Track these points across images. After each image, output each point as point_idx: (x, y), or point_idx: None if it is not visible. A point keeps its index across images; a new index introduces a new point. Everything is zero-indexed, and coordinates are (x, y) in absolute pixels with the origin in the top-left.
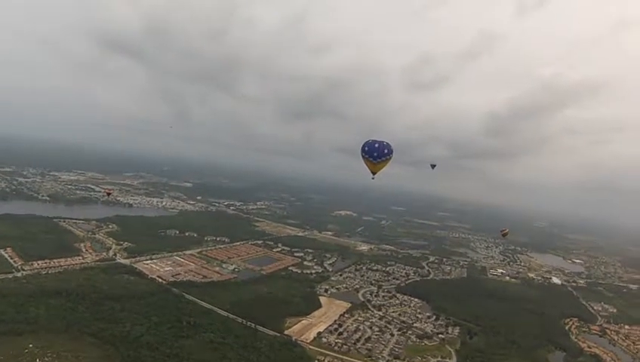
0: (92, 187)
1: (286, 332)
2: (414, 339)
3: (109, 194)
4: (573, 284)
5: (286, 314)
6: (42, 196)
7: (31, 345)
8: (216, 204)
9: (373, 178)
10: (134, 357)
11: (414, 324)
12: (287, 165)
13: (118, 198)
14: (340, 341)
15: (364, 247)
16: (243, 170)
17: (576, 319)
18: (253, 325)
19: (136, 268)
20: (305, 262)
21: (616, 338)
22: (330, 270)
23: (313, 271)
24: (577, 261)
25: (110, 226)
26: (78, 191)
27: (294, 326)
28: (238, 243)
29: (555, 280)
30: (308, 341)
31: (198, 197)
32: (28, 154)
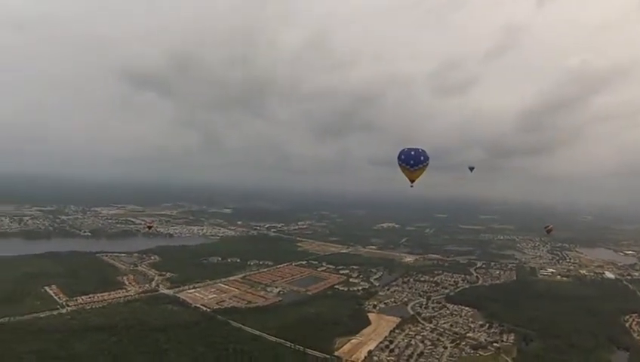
0: (132, 220)
1: (336, 353)
2: (468, 351)
3: (150, 227)
4: (628, 278)
5: (335, 335)
6: (84, 232)
7: None
8: (257, 228)
9: (411, 186)
10: None
11: (467, 334)
12: (324, 183)
13: (158, 229)
14: (392, 358)
15: (409, 258)
16: (281, 191)
17: (636, 315)
18: (302, 348)
19: (179, 297)
20: (351, 279)
21: None
22: (377, 285)
23: (360, 288)
24: (629, 252)
25: (152, 257)
26: (118, 225)
27: (344, 347)
28: (281, 266)
29: (609, 274)
30: (359, 361)
31: (239, 222)
32: (68, 192)
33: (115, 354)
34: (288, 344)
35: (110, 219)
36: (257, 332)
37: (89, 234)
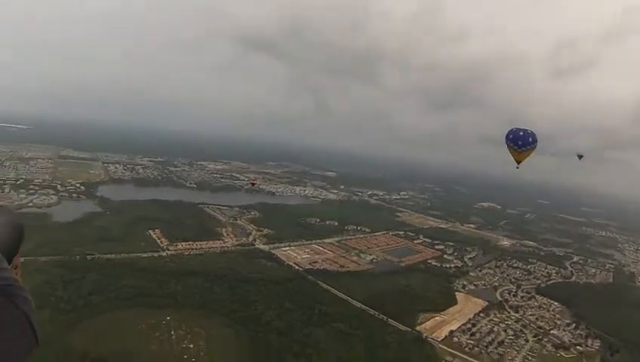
0: (236, 175)
1: (417, 327)
2: (550, 348)
3: (253, 184)
4: None
5: (420, 309)
6: (190, 183)
7: (168, 318)
8: (359, 194)
9: (517, 167)
10: (263, 339)
11: (551, 331)
12: (430, 156)
13: (261, 186)
14: (472, 342)
15: (505, 242)
16: (385, 159)
17: None
18: (385, 318)
19: (274, 254)
20: (445, 256)
21: None
22: (470, 265)
23: (452, 266)
24: None
25: (252, 213)
26: (222, 180)
27: (427, 323)
28: (378, 234)
29: None
30: (439, 339)
31: (341, 187)
32: (178, 145)
33: (206, 298)
34: (372, 312)
35: (215, 173)
36: (344, 297)
37: (194, 185)
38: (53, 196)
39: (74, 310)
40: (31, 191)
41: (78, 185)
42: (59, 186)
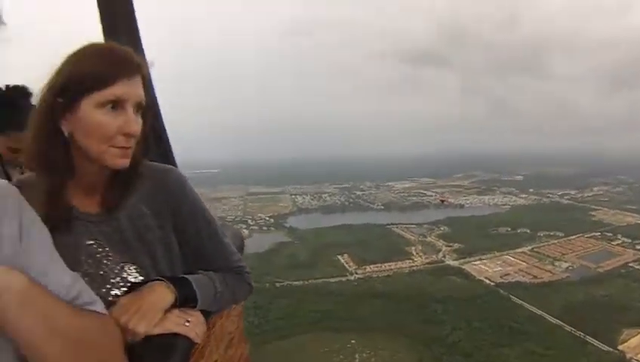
0: (423, 192)
1: (620, 346)
2: None
3: (443, 201)
4: None
5: (622, 324)
6: (377, 206)
7: (353, 341)
8: (549, 195)
9: None
10: None
11: None
12: (618, 142)
13: (449, 200)
14: None
15: None
16: (571, 153)
17: None
18: (582, 335)
19: (464, 269)
20: None
21: None
22: None
23: None
24: None
25: (441, 228)
26: (410, 198)
27: (631, 340)
28: (572, 237)
29: None
30: None
31: (530, 190)
32: (363, 169)
33: (392, 320)
34: (568, 328)
35: (402, 192)
36: (538, 311)
37: (382, 207)
38: (244, 230)
39: (262, 334)
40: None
41: (267, 218)
42: (249, 221)
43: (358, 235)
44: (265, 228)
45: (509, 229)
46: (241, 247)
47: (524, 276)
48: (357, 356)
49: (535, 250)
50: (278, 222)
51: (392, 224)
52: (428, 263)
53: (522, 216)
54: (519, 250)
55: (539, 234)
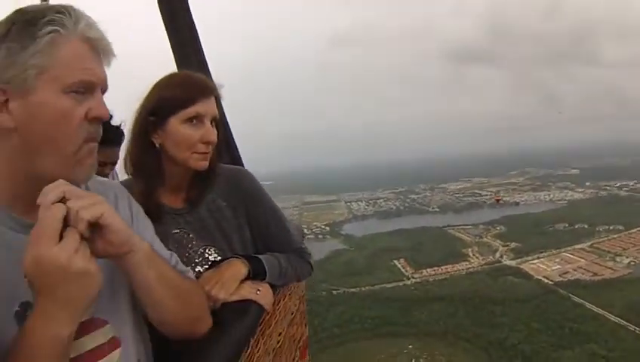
0: (478, 192)
1: None
2: None
3: (498, 200)
4: None
5: None
6: (432, 208)
7: (410, 346)
8: (607, 188)
9: None
10: None
11: None
12: None
13: (504, 198)
14: None
15: None
16: (628, 142)
17: None
18: None
19: (521, 268)
20: None
21: None
22: None
23: None
24: None
25: (497, 228)
26: (464, 198)
27: None
28: (633, 231)
29: None
30: None
31: (587, 183)
32: (416, 171)
33: (449, 323)
34: (631, 327)
35: (457, 193)
36: (599, 311)
37: (437, 209)
38: None
39: (318, 341)
40: None
41: (323, 226)
42: (305, 230)
43: (414, 239)
44: (321, 236)
45: (567, 225)
46: (301, 238)
47: (583, 274)
48: (414, 361)
49: (594, 245)
50: (334, 230)
51: (448, 226)
52: (485, 264)
53: (579, 211)
54: (578, 246)
55: (598, 228)
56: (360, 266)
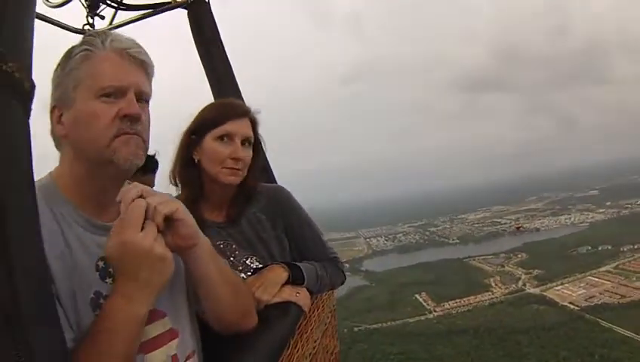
0: (497, 221)
1: None
2: None
3: (518, 228)
4: None
5: None
6: (452, 240)
7: None
8: (629, 206)
9: None
10: None
11: None
12: None
13: (525, 225)
14: None
15: None
16: None
17: None
18: None
19: (546, 295)
20: None
21: None
22: None
23: None
24: None
25: (519, 256)
26: (484, 228)
27: None
28: None
29: None
30: None
31: (607, 203)
32: (435, 203)
33: (474, 356)
34: None
35: (476, 223)
36: (629, 334)
37: (457, 241)
38: None
39: None
40: None
41: (343, 262)
42: None
43: (435, 272)
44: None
45: (590, 248)
46: (334, 249)
47: (610, 297)
48: None
49: (620, 267)
50: (354, 267)
51: (469, 257)
52: (508, 293)
53: (602, 232)
54: (602, 268)
55: (622, 249)
56: (381, 302)
